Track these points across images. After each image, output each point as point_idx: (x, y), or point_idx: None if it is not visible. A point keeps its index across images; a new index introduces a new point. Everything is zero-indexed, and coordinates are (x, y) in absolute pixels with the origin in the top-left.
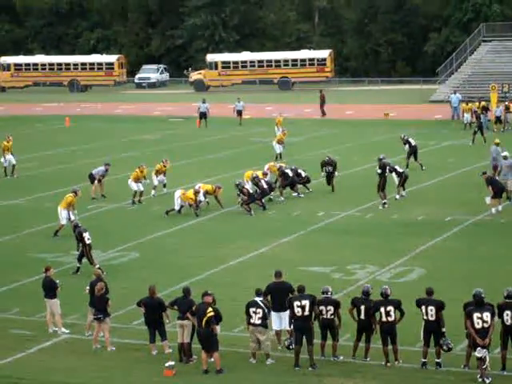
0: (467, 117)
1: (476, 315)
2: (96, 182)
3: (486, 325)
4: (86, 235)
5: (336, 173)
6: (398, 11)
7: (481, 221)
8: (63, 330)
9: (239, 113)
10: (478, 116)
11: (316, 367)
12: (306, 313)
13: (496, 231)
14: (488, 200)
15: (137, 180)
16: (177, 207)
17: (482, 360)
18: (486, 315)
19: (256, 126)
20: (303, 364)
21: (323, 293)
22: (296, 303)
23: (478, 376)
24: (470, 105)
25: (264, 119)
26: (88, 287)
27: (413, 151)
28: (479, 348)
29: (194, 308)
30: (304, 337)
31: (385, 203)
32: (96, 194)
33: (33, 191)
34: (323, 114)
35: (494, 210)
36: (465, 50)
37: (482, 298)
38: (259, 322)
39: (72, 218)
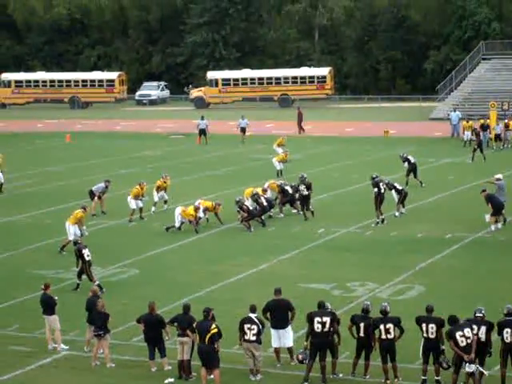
0: (467, 134)
1: (458, 334)
2: (96, 198)
3: (469, 340)
4: (86, 252)
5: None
6: (398, 29)
7: (480, 238)
8: (63, 346)
9: (243, 130)
10: (478, 133)
11: (327, 383)
12: (326, 329)
13: (495, 249)
14: (487, 218)
15: (137, 197)
16: (177, 224)
17: (473, 374)
18: (467, 331)
19: (256, 143)
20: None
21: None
22: (317, 319)
23: None
24: (470, 122)
25: (264, 136)
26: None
27: (412, 168)
28: (468, 363)
29: (194, 325)
30: (318, 353)
31: (377, 222)
32: (96, 210)
33: (33, 208)
34: (301, 130)
35: (493, 227)
36: (464, 68)
37: (456, 317)
38: (254, 338)
39: (85, 233)
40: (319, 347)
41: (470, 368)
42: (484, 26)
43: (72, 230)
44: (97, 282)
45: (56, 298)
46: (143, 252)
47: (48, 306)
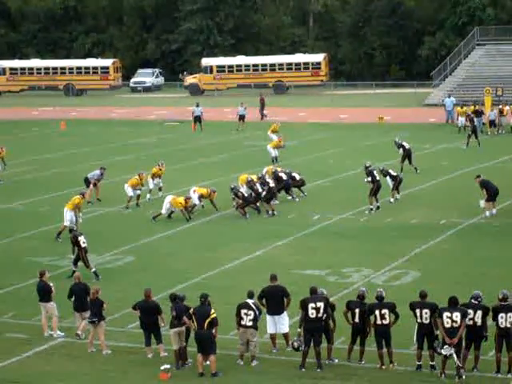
0: (462, 120)
1: (446, 314)
2: (91, 185)
3: (455, 324)
4: (82, 239)
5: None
6: (393, 15)
7: (475, 224)
8: (58, 333)
9: (241, 117)
10: (472, 119)
11: (323, 368)
12: (320, 315)
13: (490, 234)
14: (482, 203)
15: (134, 187)
16: (164, 211)
17: (447, 358)
18: (456, 315)
19: (251, 129)
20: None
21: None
22: (311, 305)
23: (439, 373)
24: (464, 108)
25: (259, 123)
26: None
27: (407, 154)
28: (446, 346)
29: (191, 311)
30: (312, 338)
31: (371, 209)
32: (91, 197)
33: (28, 195)
34: (262, 117)
35: (488, 213)
36: (459, 54)
37: (457, 299)
38: (250, 323)
39: (79, 220)
40: (313, 333)
41: (445, 351)
42: (479, 12)
43: (68, 216)
44: (93, 269)
45: (52, 284)
46: (139, 239)
47: (45, 293)
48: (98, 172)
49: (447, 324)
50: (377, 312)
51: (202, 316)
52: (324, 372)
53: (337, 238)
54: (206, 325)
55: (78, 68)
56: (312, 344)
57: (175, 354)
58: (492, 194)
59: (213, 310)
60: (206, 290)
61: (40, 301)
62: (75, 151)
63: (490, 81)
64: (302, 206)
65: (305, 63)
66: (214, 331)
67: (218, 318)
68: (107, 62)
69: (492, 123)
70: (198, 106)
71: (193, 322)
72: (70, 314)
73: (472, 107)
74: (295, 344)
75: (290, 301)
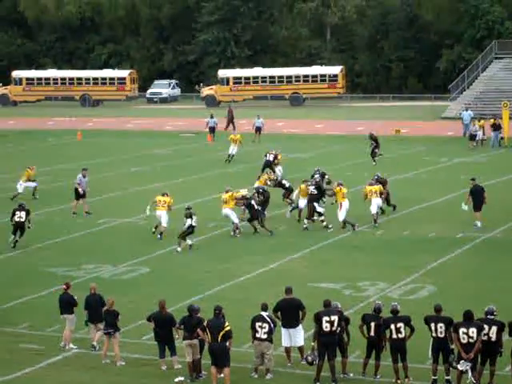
0: (479, 134)
1: (462, 330)
2: (76, 201)
3: (471, 340)
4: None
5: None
6: (410, 28)
7: (492, 238)
8: (71, 345)
9: (258, 129)
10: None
11: (338, 382)
12: (334, 328)
13: (507, 249)
14: (466, 207)
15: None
16: (164, 224)
17: (463, 373)
18: (472, 331)
19: (267, 141)
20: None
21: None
22: (325, 318)
23: None
24: (481, 122)
25: (275, 135)
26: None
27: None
28: (462, 361)
29: (205, 323)
30: (327, 352)
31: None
32: (76, 208)
33: (44, 205)
34: (228, 128)
35: (479, 223)
36: (477, 67)
37: (472, 314)
38: (265, 336)
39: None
40: (328, 346)
41: (461, 366)
42: (497, 25)
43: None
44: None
45: (76, 297)
46: (154, 250)
47: (69, 305)
48: (80, 175)
49: (463, 340)
50: (392, 326)
51: (216, 328)
52: None
53: (352, 251)
54: (220, 337)
55: (95, 78)
56: (326, 358)
57: (189, 366)
58: (475, 204)
59: (227, 323)
60: (221, 302)
61: (64, 313)
62: (91, 162)
63: (508, 94)
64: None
65: (321, 75)
66: (228, 344)
67: (232, 330)
68: (124, 73)
69: (473, 137)
70: (212, 117)
71: (207, 334)
72: (84, 325)
73: (492, 120)
74: (309, 358)
75: (305, 314)
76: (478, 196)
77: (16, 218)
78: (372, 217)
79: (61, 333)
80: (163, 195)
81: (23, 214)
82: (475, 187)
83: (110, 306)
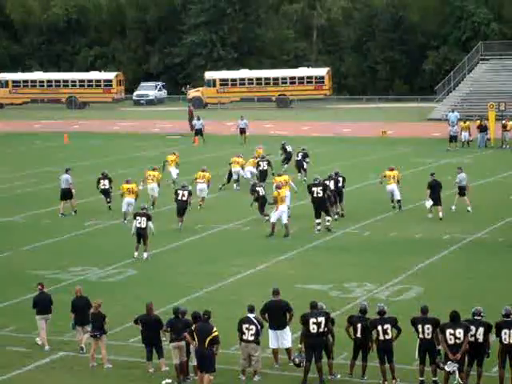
0: (465, 135)
1: (449, 331)
2: (62, 202)
3: (458, 341)
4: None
5: None
6: (396, 29)
7: (479, 239)
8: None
9: (242, 131)
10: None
11: None
12: (321, 329)
13: (494, 249)
14: (428, 204)
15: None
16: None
17: (450, 374)
18: (459, 332)
19: (254, 143)
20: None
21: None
22: (312, 320)
23: None
24: (467, 123)
25: (262, 136)
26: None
27: (286, 158)
28: (449, 362)
29: (193, 327)
30: (314, 354)
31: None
32: (64, 209)
33: (30, 208)
34: (192, 128)
35: (430, 215)
36: (463, 69)
37: (458, 314)
38: (252, 338)
39: None
40: (315, 348)
41: (448, 367)
42: (483, 27)
43: None
44: None
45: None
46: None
47: (48, 305)
48: (65, 176)
49: (450, 341)
50: (379, 327)
51: (203, 333)
52: None
53: (340, 253)
54: (207, 342)
55: (81, 81)
56: (314, 359)
57: (176, 369)
58: (433, 198)
59: (215, 328)
60: (208, 303)
61: (41, 313)
62: (78, 164)
63: (494, 96)
64: (304, 220)
65: (308, 77)
66: (214, 349)
67: (219, 334)
68: (110, 75)
69: (453, 138)
70: (198, 119)
71: (193, 338)
72: (67, 327)
73: (478, 122)
74: (296, 360)
75: (292, 315)
76: (433, 191)
77: (101, 186)
78: (397, 204)
79: (50, 336)
80: (153, 170)
81: (107, 181)
82: (433, 182)
83: (96, 308)
